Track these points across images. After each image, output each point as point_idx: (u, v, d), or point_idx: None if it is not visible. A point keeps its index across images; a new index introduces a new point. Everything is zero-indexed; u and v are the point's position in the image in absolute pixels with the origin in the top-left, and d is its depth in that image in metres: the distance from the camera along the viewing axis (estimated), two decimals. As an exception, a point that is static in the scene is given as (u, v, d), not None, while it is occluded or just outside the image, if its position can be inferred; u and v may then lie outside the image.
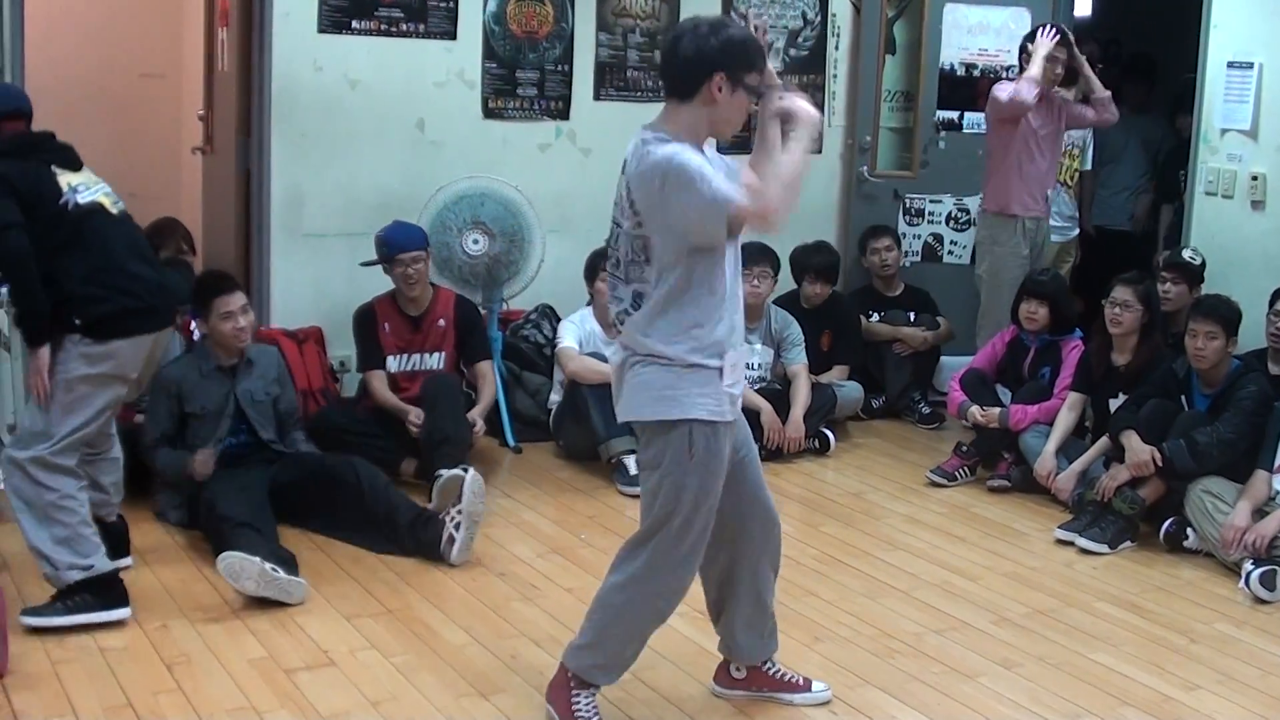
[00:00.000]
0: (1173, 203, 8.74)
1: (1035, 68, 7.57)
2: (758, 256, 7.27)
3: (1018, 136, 7.73)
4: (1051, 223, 8.17)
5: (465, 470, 5.76)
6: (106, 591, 4.97)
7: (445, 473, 6.03)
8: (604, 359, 7.03)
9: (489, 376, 7.10)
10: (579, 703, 4.32)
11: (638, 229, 4.09)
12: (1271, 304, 6.41)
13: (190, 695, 4.47)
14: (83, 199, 4.98)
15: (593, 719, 4.31)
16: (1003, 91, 7.65)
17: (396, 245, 6.83)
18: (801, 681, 4.64)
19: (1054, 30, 7.69)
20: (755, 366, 7.47)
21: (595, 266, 7.17)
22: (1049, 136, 7.84)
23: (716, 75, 4.00)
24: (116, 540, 5.38)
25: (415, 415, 6.64)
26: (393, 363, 6.91)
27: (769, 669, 4.63)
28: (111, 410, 5.10)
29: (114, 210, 5.07)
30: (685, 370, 4.08)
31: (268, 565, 5.12)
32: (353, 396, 7.08)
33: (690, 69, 4.03)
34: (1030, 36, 7.80)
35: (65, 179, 4.99)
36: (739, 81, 4.03)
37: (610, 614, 4.31)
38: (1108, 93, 7.82)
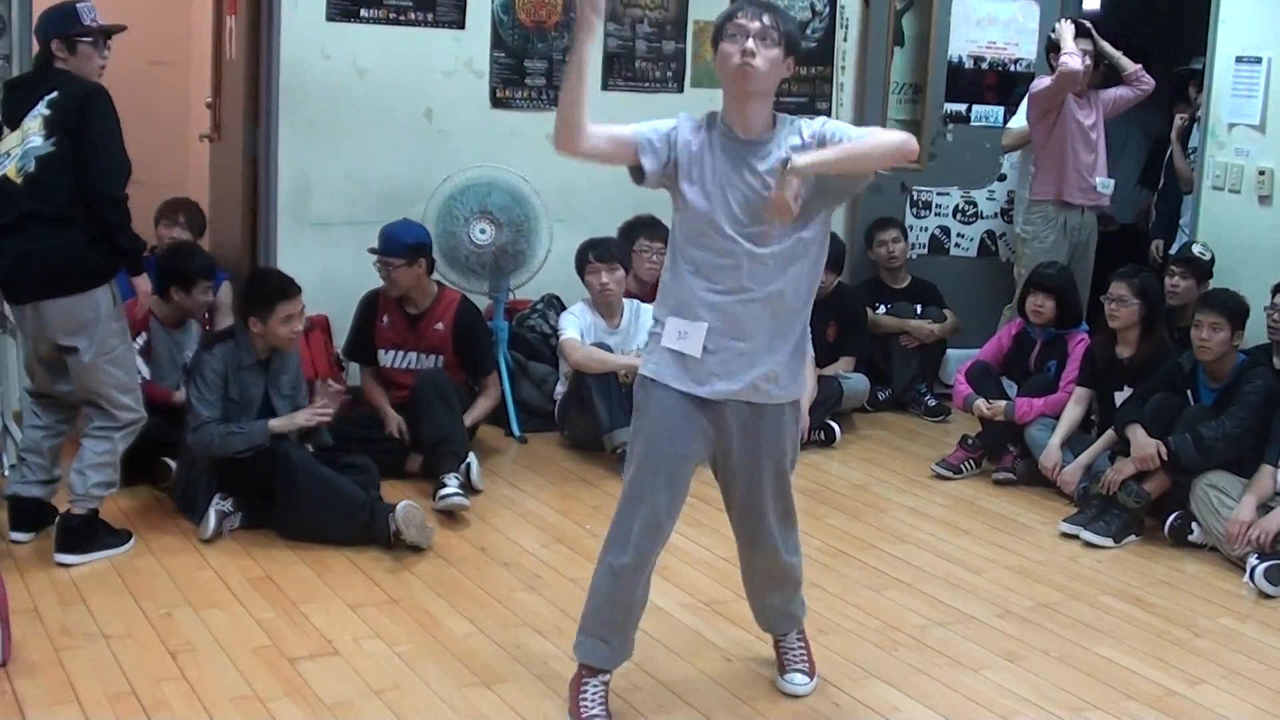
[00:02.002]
0: (1154, 191, 8.77)
1: (1069, 44, 7.69)
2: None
3: (1062, 127, 7.85)
4: None
5: (394, 509, 5.67)
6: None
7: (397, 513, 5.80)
8: (609, 349, 7.04)
9: (491, 391, 7.09)
10: (585, 692, 4.34)
11: None
12: (1271, 296, 6.40)
13: (194, 683, 4.47)
14: None
15: (596, 709, 4.31)
16: (1043, 82, 7.75)
17: (380, 245, 6.84)
18: (791, 665, 4.67)
19: (1068, 20, 7.82)
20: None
21: (582, 260, 7.19)
22: (1093, 127, 7.95)
23: (716, 46, 4.23)
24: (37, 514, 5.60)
25: (395, 425, 6.66)
26: (386, 357, 6.91)
27: (780, 641, 4.70)
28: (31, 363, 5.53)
29: (18, 180, 5.22)
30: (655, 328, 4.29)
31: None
32: (357, 386, 7.06)
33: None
34: (1051, 41, 7.95)
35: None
36: (719, 38, 4.21)
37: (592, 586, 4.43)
38: (1137, 65, 7.98)
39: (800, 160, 3.96)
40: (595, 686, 4.35)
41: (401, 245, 6.81)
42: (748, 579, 4.66)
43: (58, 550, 5.38)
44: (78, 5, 5.39)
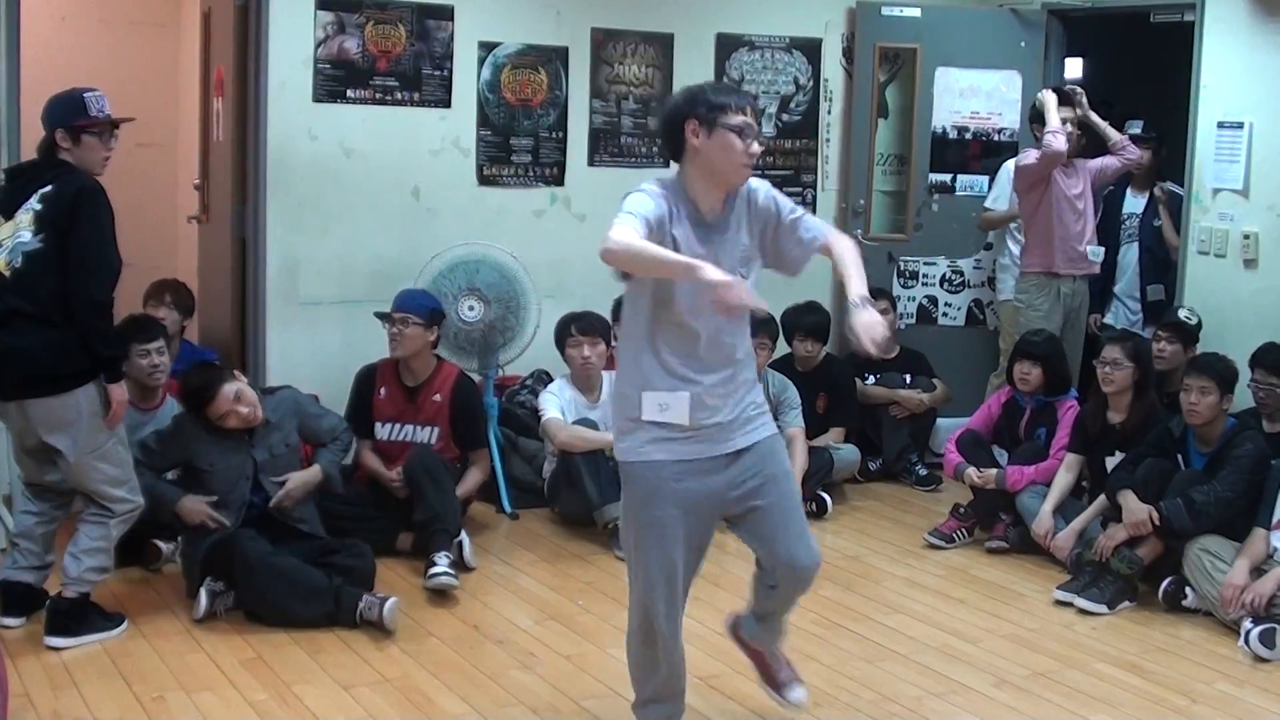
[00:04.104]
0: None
1: (1054, 119, 7.74)
2: (756, 327, 7.23)
3: (1049, 199, 7.89)
4: None
5: (383, 601, 5.65)
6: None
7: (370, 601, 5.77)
8: (593, 424, 7.03)
9: (482, 465, 7.10)
10: None
11: None
12: (1251, 367, 6.42)
13: (187, 767, 4.45)
14: None
15: None
16: (1028, 158, 7.78)
17: (395, 303, 6.87)
18: (783, 679, 4.76)
19: (1050, 90, 7.88)
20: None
21: (563, 333, 7.20)
22: (1080, 196, 7.98)
23: (688, 123, 4.19)
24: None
25: (395, 474, 6.65)
26: (383, 430, 6.90)
27: (769, 655, 4.79)
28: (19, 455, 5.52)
29: (7, 274, 5.21)
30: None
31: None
32: (350, 464, 7.05)
33: (667, 129, 4.29)
34: (1035, 111, 7.99)
35: None
36: (713, 123, 4.18)
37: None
38: (1124, 136, 8.00)
39: (864, 295, 4.24)
40: None
41: (424, 306, 6.88)
42: (765, 595, 4.66)
43: (47, 633, 5.36)
44: (85, 95, 5.36)
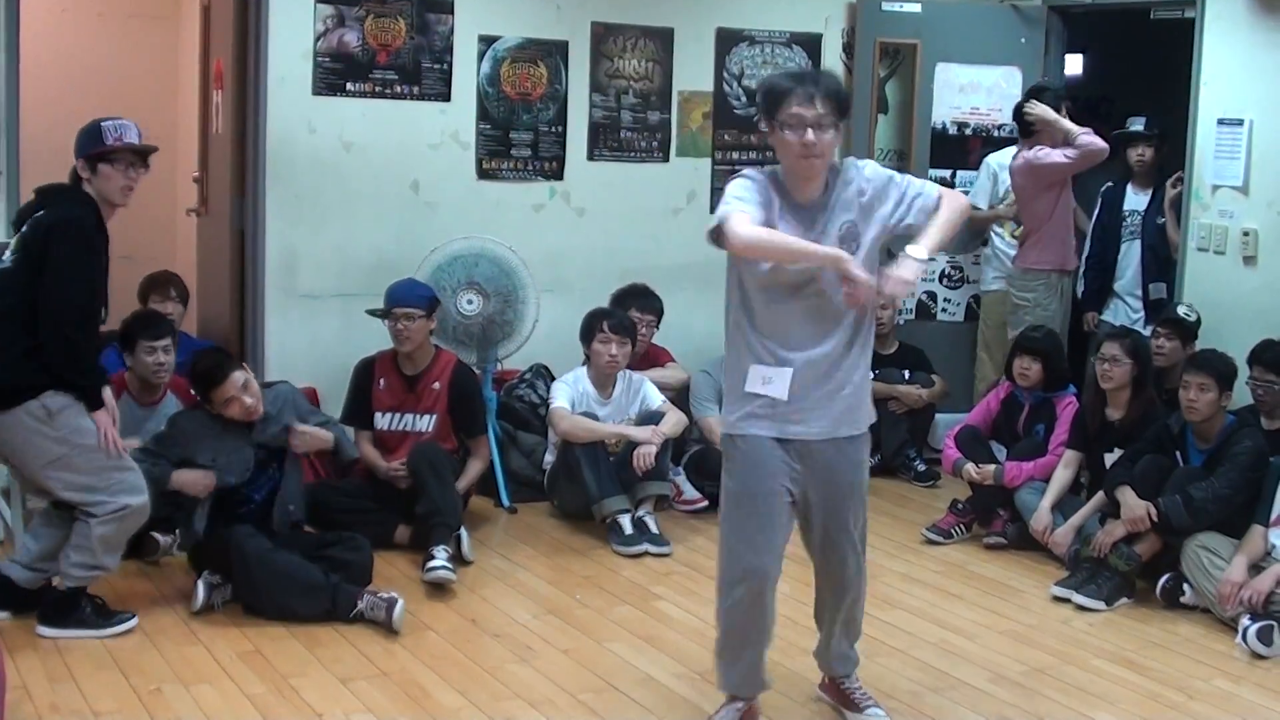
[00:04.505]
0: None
1: (1068, 122, 7.72)
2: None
3: (1066, 196, 7.91)
4: None
5: (389, 603, 5.64)
6: None
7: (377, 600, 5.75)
8: (597, 419, 7.03)
9: (482, 452, 7.10)
10: (720, 714, 4.65)
11: None
12: (1250, 364, 6.42)
13: (184, 760, 4.45)
14: None
15: None
16: (1051, 156, 7.69)
17: (394, 298, 6.85)
18: (862, 702, 4.86)
19: (1033, 100, 7.86)
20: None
21: (592, 327, 7.17)
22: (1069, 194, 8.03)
23: (763, 119, 4.40)
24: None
25: (396, 471, 6.65)
26: (382, 420, 6.90)
27: (843, 684, 4.91)
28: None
29: None
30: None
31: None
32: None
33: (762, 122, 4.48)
34: (1019, 109, 7.96)
35: None
36: (773, 119, 4.33)
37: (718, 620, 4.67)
38: (1083, 130, 7.77)
39: (920, 254, 4.35)
40: (728, 708, 4.63)
41: (422, 298, 6.88)
42: (827, 618, 4.84)
43: (38, 621, 5.39)
44: (102, 124, 5.34)
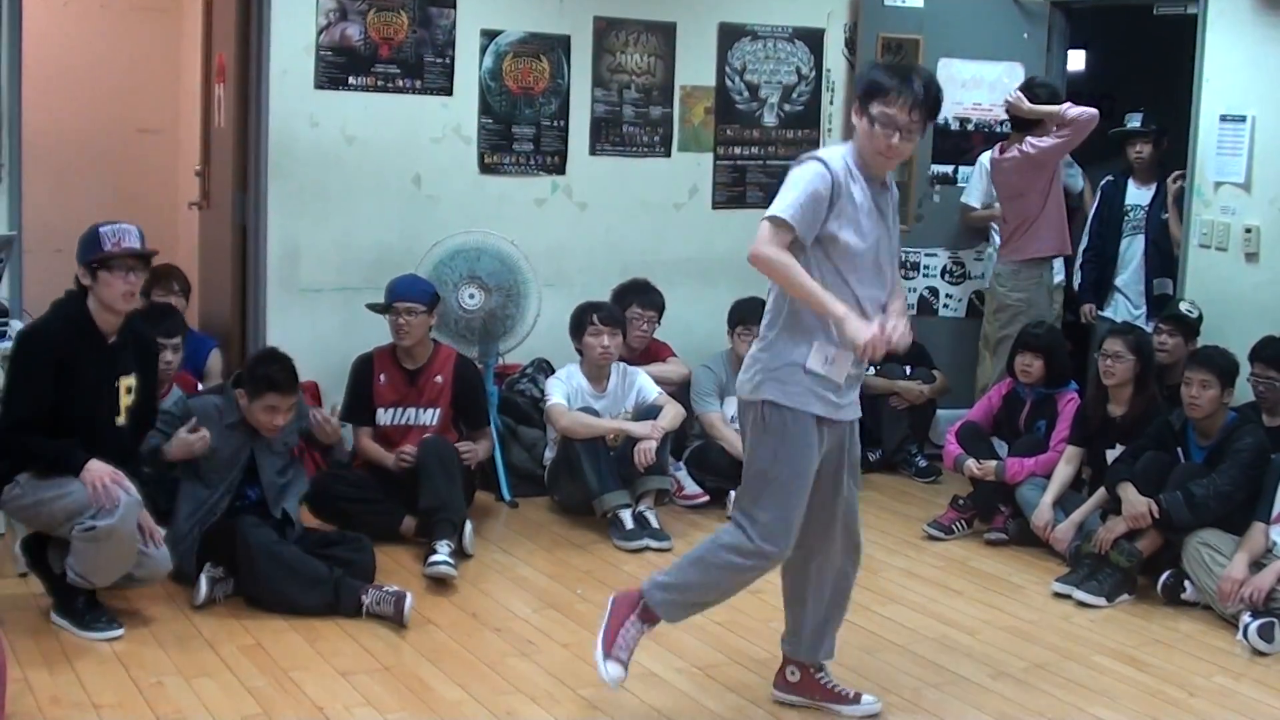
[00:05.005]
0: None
1: (1052, 106, 7.69)
2: (749, 318, 7.22)
3: (1058, 180, 7.90)
4: None
5: (397, 596, 5.63)
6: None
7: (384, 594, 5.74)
8: (596, 414, 7.03)
9: (485, 443, 7.11)
10: (628, 630, 4.62)
11: None
12: (1251, 361, 6.41)
13: (185, 753, 4.45)
14: None
15: (630, 647, 4.62)
16: (1044, 140, 7.67)
17: (395, 293, 6.84)
18: (851, 695, 4.85)
19: (1017, 94, 7.85)
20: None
21: (582, 321, 7.18)
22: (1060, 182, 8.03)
23: (856, 101, 4.47)
24: None
25: (405, 451, 6.66)
26: (385, 415, 6.89)
27: (821, 678, 4.86)
28: None
29: None
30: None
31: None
32: (350, 451, 7.04)
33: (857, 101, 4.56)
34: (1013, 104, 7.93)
35: None
36: (865, 107, 4.41)
37: (700, 564, 4.67)
38: (1066, 104, 7.72)
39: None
40: (637, 628, 4.68)
41: (424, 292, 6.88)
42: (815, 600, 4.84)
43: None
44: (100, 229, 5.37)
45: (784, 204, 4.33)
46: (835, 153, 4.50)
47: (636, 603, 4.65)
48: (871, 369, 8.20)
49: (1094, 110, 7.63)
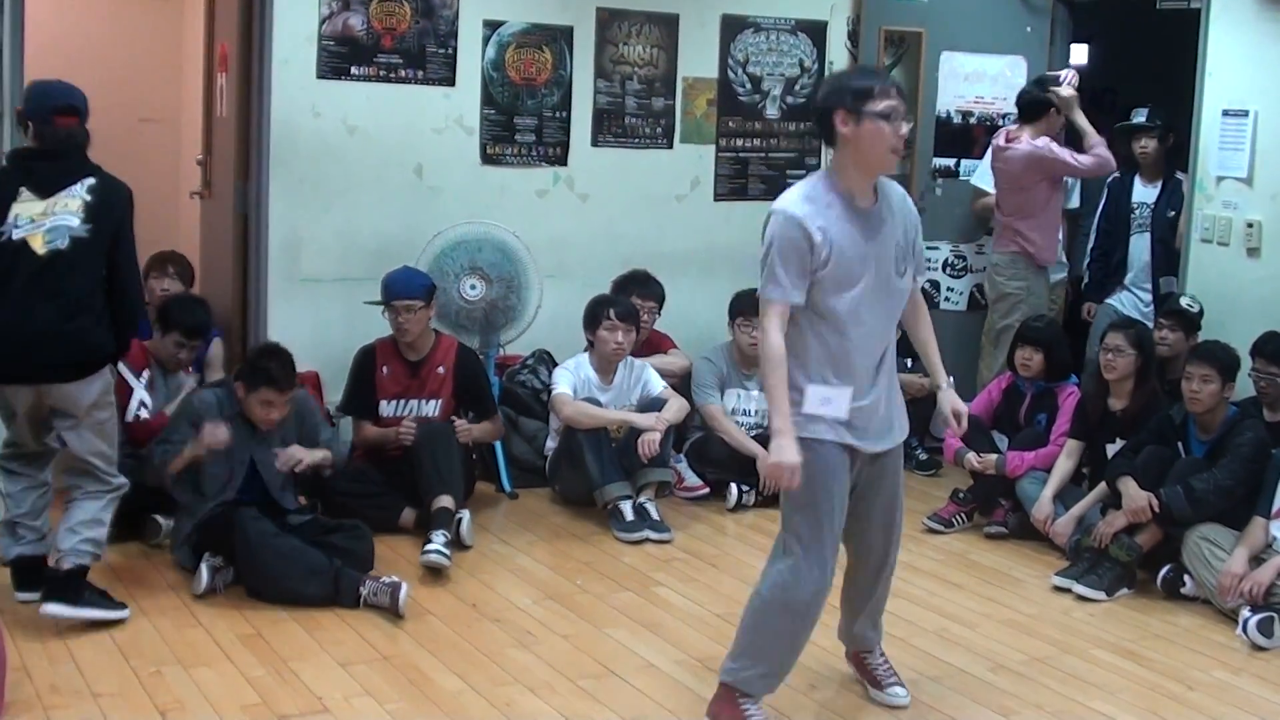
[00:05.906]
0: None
1: (1084, 122, 7.73)
2: (750, 310, 7.21)
3: (1057, 192, 7.90)
4: None
5: (393, 586, 5.63)
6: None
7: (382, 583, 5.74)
8: (599, 405, 7.03)
9: (490, 425, 7.12)
10: (749, 711, 4.55)
11: None
12: (1252, 356, 6.41)
13: (184, 741, 4.45)
14: (15, 234, 5.19)
15: None
16: (1060, 153, 7.67)
17: (393, 291, 6.84)
18: (885, 679, 4.94)
19: (1072, 74, 7.82)
20: (753, 414, 7.46)
21: (598, 314, 7.17)
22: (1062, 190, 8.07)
23: (837, 114, 4.32)
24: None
25: (406, 425, 6.70)
26: (387, 407, 6.90)
27: (867, 659, 5.01)
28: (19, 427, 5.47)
29: (41, 251, 5.19)
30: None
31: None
32: (350, 443, 7.03)
33: (818, 121, 4.47)
34: (1039, 87, 7.90)
35: (19, 208, 5.23)
36: (860, 111, 4.30)
37: (757, 622, 4.60)
38: (1099, 140, 7.77)
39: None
40: (754, 705, 4.59)
41: (420, 287, 6.88)
42: (851, 595, 4.93)
43: (45, 599, 5.28)
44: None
45: (767, 280, 4.35)
46: (793, 195, 4.41)
47: (730, 695, 4.60)
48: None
49: (1114, 163, 7.76)
